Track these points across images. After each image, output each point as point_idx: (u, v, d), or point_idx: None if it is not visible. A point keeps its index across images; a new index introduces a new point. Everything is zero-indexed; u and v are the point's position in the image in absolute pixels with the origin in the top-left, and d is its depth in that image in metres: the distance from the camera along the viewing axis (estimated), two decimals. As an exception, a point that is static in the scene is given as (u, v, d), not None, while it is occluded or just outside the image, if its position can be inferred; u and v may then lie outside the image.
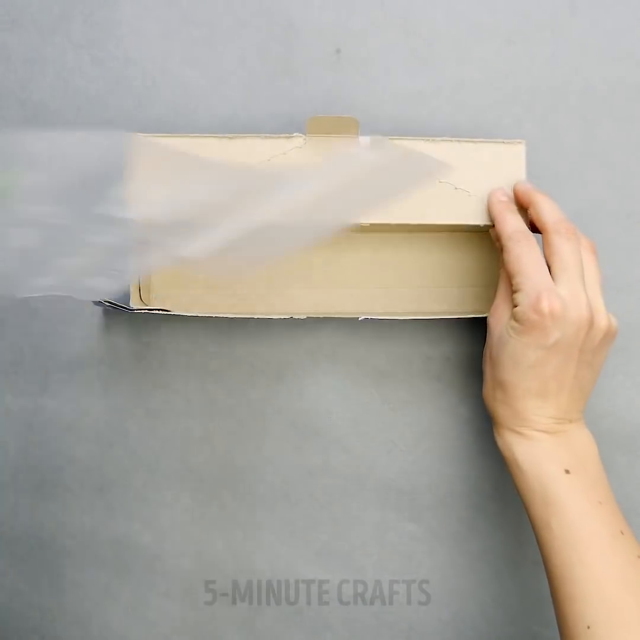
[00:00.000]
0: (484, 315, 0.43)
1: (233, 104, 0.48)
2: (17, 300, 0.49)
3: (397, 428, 0.49)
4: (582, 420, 0.42)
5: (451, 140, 0.43)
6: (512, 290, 0.40)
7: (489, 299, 0.47)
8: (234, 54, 0.48)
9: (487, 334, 0.42)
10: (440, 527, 0.49)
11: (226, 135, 0.43)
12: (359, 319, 0.43)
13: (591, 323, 0.39)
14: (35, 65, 0.49)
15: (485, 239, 0.48)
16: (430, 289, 0.48)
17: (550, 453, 0.40)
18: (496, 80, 0.48)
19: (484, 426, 0.48)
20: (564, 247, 0.39)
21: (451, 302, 0.48)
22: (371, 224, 0.44)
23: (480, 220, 0.44)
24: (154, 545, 0.49)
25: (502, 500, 0.48)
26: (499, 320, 0.41)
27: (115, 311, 0.43)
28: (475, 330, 0.48)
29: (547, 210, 0.41)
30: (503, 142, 0.44)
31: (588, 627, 0.36)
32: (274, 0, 0.48)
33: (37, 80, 0.48)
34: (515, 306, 0.39)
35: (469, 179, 0.44)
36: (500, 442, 0.42)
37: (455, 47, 0.48)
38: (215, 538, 0.49)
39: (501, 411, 0.41)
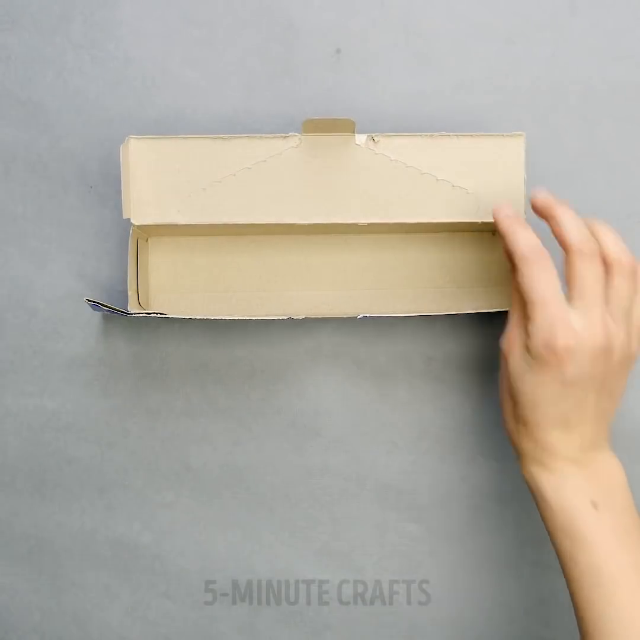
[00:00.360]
0: (483, 311, 0.43)
1: (233, 104, 0.48)
2: (17, 300, 0.49)
3: (397, 428, 0.49)
4: (608, 445, 0.41)
5: (449, 136, 0.43)
6: (526, 315, 0.38)
7: (488, 298, 0.47)
8: (234, 54, 0.48)
9: (501, 360, 0.40)
10: (441, 527, 0.49)
11: (221, 135, 0.43)
12: (358, 317, 0.43)
13: (608, 352, 0.37)
14: (35, 65, 0.49)
15: (484, 239, 0.48)
16: (429, 289, 0.48)
17: (577, 486, 0.38)
18: (496, 80, 0.48)
19: (484, 426, 0.48)
20: (586, 272, 0.37)
21: (450, 303, 0.48)
22: (369, 224, 0.44)
23: (478, 217, 0.44)
24: (154, 545, 0.49)
25: (502, 500, 0.48)
26: (512, 346, 0.39)
27: (114, 314, 0.43)
28: (475, 330, 0.48)
29: (571, 228, 0.38)
30: (502, 136, 0.43)
31: None
32: (274, 0, 0.48)
33: (37, 80, 0.48)
34: (528, 336, 0.37)
35: (466, 176, 0.44)
36: (526, 475, 0.40)
37: (455, 47, 0.48)
38: (215, 538, 0.49)
39: (525, 445, 0.40)
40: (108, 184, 0.48)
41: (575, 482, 0.38)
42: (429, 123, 0.48)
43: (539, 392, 0.38)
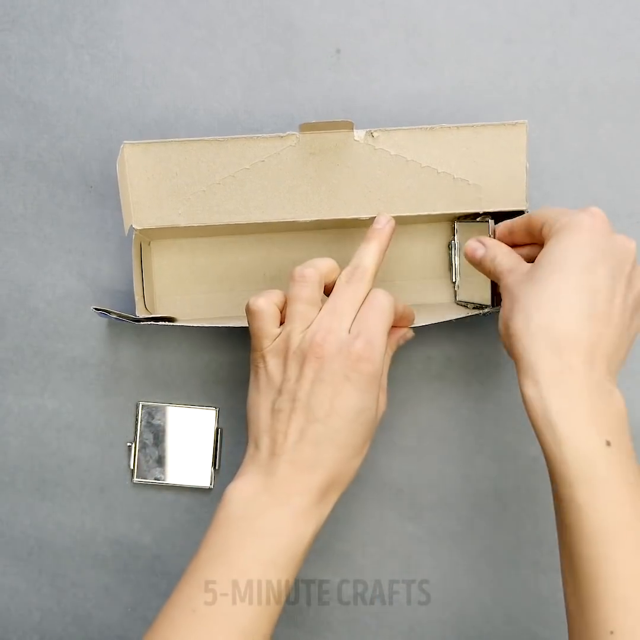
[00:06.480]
0: (486, 311, 0.43)
1: (233, 104, 0.48)
2: (17, 300, 0.49)
3: (397, 428, 0.49)
4: (616, 381, 0.36)
5: (449, 127, 0.43)
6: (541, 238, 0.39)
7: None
8: (234, 54, 0.48)
9: (505, 274, 0.39)
10: (440, 527, 0.49)
11: (217, 138, 0.43)
12: None
13: (635, 261, 0.37)
14: (35, 65, 0.49)
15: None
16: (433, 280, 0.48)
17: (592, 417, 0.34)
18: (496, 80, 0.48)
19: (483, 426, 0.48)
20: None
21: (452, 293, 0.48)
22: (370, 218, 0.44)
23: (480, 208, 0.44)
24: (154, 545, 0.49)
25: (501, 500, 0.48)
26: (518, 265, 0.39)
27: (122, 321, 0.43)
28: (475, 329, 0.48)
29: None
30: (503, 125, 0.43)
31: (611, 633, 0.32)
32: (274, 0, 0.48)
33: (37, 80, 0.48)
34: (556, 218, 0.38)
35: (468, 167, 0.43)
36: (531, 393, 0.35)
37: (455, 47, 0.48)
38: (215, 538, 0.49)
39: (537, 352, 0.35)
40: (108, 184, 0.48)
41: (591, 411, 0.34)
42: (429, 123, 0.47)
43: (572, 254, 0.36)
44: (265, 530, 0.36)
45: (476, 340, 0.48)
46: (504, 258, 0.40)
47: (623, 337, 0.36)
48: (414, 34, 0.48)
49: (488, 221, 0.43)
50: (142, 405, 0.49)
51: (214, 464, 0.48)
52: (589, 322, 0.35)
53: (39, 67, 0.49)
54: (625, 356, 0.37)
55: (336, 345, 0.37)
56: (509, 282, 0.38)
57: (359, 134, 0.43)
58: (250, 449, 0.38)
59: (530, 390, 0.35)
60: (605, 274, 0.36)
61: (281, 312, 0.39)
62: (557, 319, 0.35)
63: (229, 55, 0.48)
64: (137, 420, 0.48)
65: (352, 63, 0.48)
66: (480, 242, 0.42)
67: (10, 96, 0.49)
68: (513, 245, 0.42)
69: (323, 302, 0.39)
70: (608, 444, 0.33)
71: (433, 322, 0.43)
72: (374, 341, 0.37)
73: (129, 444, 0.49)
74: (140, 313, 0.44)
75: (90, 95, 0.48)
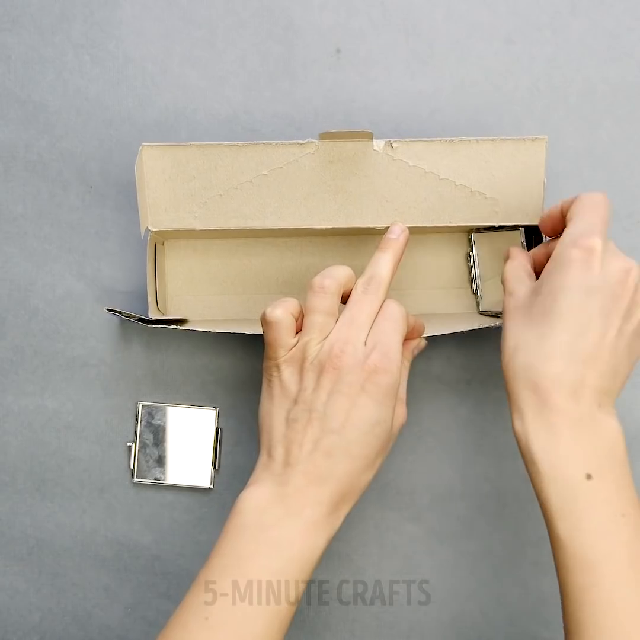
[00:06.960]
0: (492, 324, 0.43)
1: (233, 104, 0.48)
2: (17, 300, 0.49)
3: (397, 428, 0.49)
4: (613, 409, 0.37)
5: (468, 141, 0.43)
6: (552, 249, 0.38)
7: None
8: (234, 54, 0.48)
9: (506, 296, 0.39)
10: (440, 527, 0.49)
11: (236, 143, 0.43)
12: None
13: (637, 286, 0.36)
14: (35, 65, 0.49)
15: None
16: (447, 290, 0.48)
17: (573, 451, 0.35)
18: (496, 80, 0.48)
19: (483, 426, 0.48)
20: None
21: (466, 303, 0.48)
22: (386, 227, 0.44)
23: (496, 221, 0.44)
24: (154, 545, 0.49)
25: (501, 500, 0.48)
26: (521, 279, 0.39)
27: (132, 322, 0.43)
28: (475, 330, 0.48)
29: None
30: (523, 140, 0.43)
31: None
32: (274, 0, 0.48)
33: (37, 80, 0.48)
34: (559, 242, 0.37)
35: (485, 180, 0.43)
36: (517, 428, 0.36)
37: (455, 47, 0.48)
38: (216, 538, 0.49)
39: (522, 391, 0.36)
40: (108, 184, 0.48)
41: (571, 446, 0.35)
42: (429, 123, 0.48)
43: (559, 293, 0.35)
44: (278, 540, 0.36)
45: (476, 340, 0.48)
46: (511, 276, 0.40)
47: (620, 367, 0.37)
48: (414, 34, 0.48)
49: (520, 229, 0.44)
50: (142, 405, 0.49)
51: (214, 464, 0.48)
52: (573, 364, 0.35)
53: (39, 67, 0.49)
54: (626, 380, 0.38)
55: (353, 356, 0.37)
56: (506, 306, 0.39)
57: (378, 144, 0.43)
58: (263, 457, 0.39)
59: (516, 425, 0.36)
60: (597, 312, 0.35)
61: (296, 321, 0.39)
62: (538, 362, 0.36)
63: (229, 55, 0.48)
64: (137, 420, 0.48)
65: (352, 63, 0.48)
66: (508, 253, 0.42)
67: (10, 96, 0.49)
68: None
69: (339, 310, 0.39)
70: (589, 477, 0.34)
71: (447, 332, 0.43)
72: (390, 353, 0.37)
73: (129, 444, 0.49)
74: (153, 314, 0.44)
75: (90, 95, 0.48)
